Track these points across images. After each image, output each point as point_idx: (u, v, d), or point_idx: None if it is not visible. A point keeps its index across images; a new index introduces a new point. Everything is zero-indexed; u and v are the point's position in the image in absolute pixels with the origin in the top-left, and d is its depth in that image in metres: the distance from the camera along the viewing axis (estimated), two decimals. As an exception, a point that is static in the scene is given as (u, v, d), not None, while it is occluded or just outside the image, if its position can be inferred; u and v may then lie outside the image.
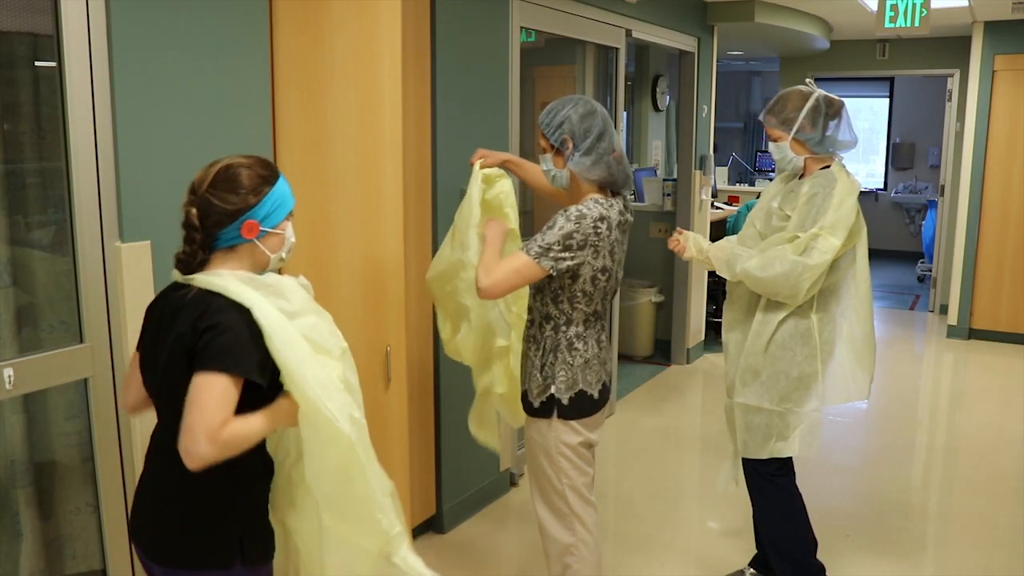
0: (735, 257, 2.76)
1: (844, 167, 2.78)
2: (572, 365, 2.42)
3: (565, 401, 2.41)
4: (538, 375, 2.44)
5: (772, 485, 2.88)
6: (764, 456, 2.79)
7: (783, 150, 2.77)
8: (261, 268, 1.76)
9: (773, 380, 2.75)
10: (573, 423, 2.44)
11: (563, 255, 2.31)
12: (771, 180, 2.89)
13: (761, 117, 2.87)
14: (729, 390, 2.90)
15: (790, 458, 2.85)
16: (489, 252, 2.41)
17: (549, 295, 2.42)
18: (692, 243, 2.91)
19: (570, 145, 2.40)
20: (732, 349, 2.89)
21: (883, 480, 4.26)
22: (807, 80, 2.87)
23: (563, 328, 2.42)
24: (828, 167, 2.76)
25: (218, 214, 1.66)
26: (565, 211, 2.35)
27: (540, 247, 2.32)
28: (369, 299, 2.62)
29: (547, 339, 2.44)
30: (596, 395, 2.46)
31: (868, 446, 4.85)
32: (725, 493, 3.14)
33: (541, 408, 2.44)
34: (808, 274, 2.61)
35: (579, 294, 2.38)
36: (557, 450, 2.45)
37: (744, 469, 2.95)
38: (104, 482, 2.14)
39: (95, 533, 2.20)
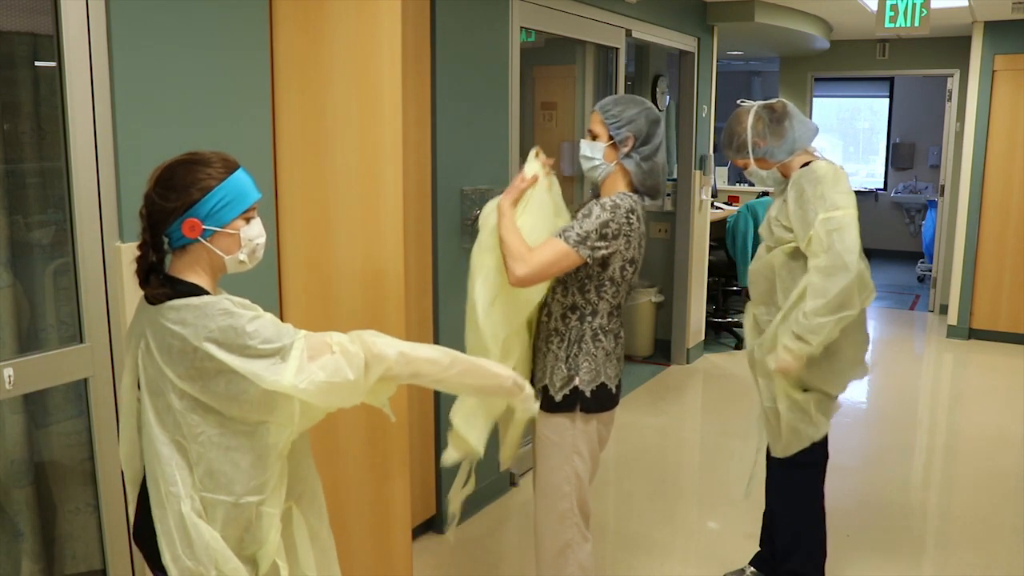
0: (803, 324, 2.57)
1: (820, 158, 2.74)
2: (596, 357, 2.41)
3: (588, 394, 2.41)
4: (563, 366, 2.42)
5: (803, 471, 2.86)
6: (805, 446, 2.75)
7: (755, 174, 2.77)
8: (219, 271, 1.68)
9: (823, 363, 2.68)
10: (593, 419, 2.44)
11: (599, 244, 2.31)
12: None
13: (723, 153, 2.85)
14: (764, 395, 2.81)
15: None
16: (515, 238, 2.32)
17: (575, 284, 2.40)
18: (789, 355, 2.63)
19: (630, 144, 2.40)
20: (759, 356, 2.81)
21: (883, 480, 4.26)
22: (738, 101, 2.85)
23: (588, 318, 2.41)
24: (808, 164, 2.71)
25: (160, 212, 1.60)
26: (599, 201, 2.36)
27: (579, 235, 2.31)
28: (369, 299, 2.62)
29: (572, 330, 2.42)
30: (614, 389, 2.47)
31: (868, 446, 4.85)
32: (736, 497, 3.13)
33: (564, 402, 2.42)
34: (852, 247, 2.51)
35: (607, 283, 2.38)
36: (574, 449, 2.45)
37: (770, 463, 2.93)
38: (104, 482, 2.13)
39: (95, 533, 2.20)
